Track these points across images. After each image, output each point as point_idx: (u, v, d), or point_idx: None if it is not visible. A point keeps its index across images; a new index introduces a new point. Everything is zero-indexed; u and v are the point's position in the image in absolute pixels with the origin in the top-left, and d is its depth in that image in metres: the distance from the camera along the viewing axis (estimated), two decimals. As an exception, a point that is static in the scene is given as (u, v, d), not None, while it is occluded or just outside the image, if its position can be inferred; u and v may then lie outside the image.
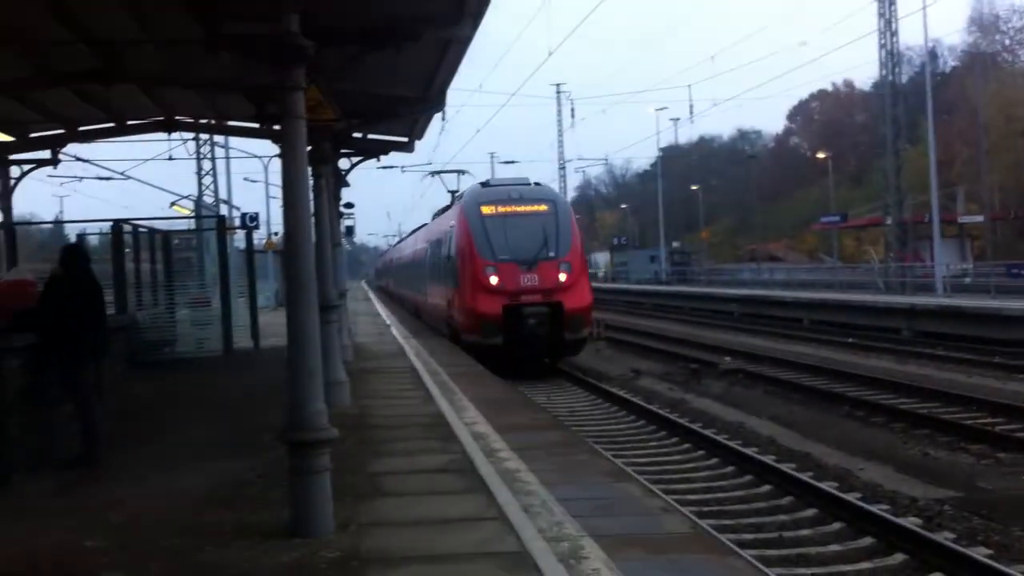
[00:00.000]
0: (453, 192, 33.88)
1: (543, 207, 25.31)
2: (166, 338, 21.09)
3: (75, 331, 10.29)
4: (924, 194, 46.84)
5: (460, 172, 34.97)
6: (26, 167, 18.99)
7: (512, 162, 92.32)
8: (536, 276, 23.79)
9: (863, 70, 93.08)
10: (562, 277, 23.90)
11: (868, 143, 79.94)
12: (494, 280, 23.76)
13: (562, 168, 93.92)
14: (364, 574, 6.53)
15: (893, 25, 42.61)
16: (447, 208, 33.12)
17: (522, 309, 23.44)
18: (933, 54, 64.98)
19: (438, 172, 37.51)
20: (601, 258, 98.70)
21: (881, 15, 42.75)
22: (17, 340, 9.78)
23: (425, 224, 41.75)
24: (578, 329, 23.99)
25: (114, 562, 6.94)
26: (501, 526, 7.58)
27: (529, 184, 27.13)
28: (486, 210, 25.03)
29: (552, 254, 24.08)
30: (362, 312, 45.09)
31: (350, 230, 57.18)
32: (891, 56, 43.05)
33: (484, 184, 27.63)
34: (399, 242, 65.60)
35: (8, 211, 19.29)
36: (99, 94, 14.27)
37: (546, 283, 23.76)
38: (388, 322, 37.77)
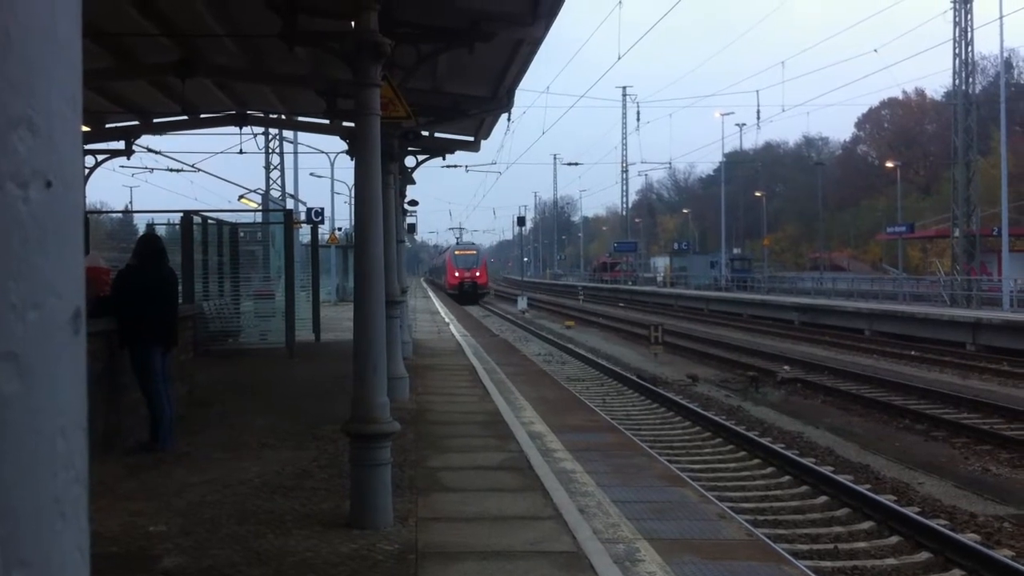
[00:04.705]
0: (458, 239, 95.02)
1: (474, 251, 77.20)
2: (230, 329, 21.43)
3: (145, 322, 10.53)
4: (995, 206, 46.10)
5: (462, 229, 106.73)
6: (100, 156, 19.40)
7: (575, 163, 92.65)
8: (469, 272, 70.68)
9: (936, 79, 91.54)
10: (478, 273, 71.11)
11: (938, 153, 78.70)
12: (456, 273, 71.20)
13: (624, 171, 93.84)
14: (421, 567, 6.63)
15: (968, 34, 41.99)
16: (447, 249, 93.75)
17: (464, 282, 69.78)
18: (1008, 64, 63.89)
19: (453, 228, 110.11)
20: (660, 262, 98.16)
21: (956, 23, 42.16)
22: (91, 326, 10.00)
23: (444, 250, 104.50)
24: (483, 288, 71.78)
25: (177, 547, 7.10)
26: (557, 525, 7.65)
27: (470, 243, 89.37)
28: (457, 252, 76.31)
29: (474, 266, 71.81)
30: (421, 309, 45.41)
31: (412, 228, 57.68)
32: (965, 65, 42.41)
33: (458, 242, 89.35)
34: (437, 256, 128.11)
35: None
36: (175, 86, 14.57)
37: (472, 274, 70.58)
38: (447, 320, 38.00)
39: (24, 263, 0.83)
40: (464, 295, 67.97)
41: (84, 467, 0.93)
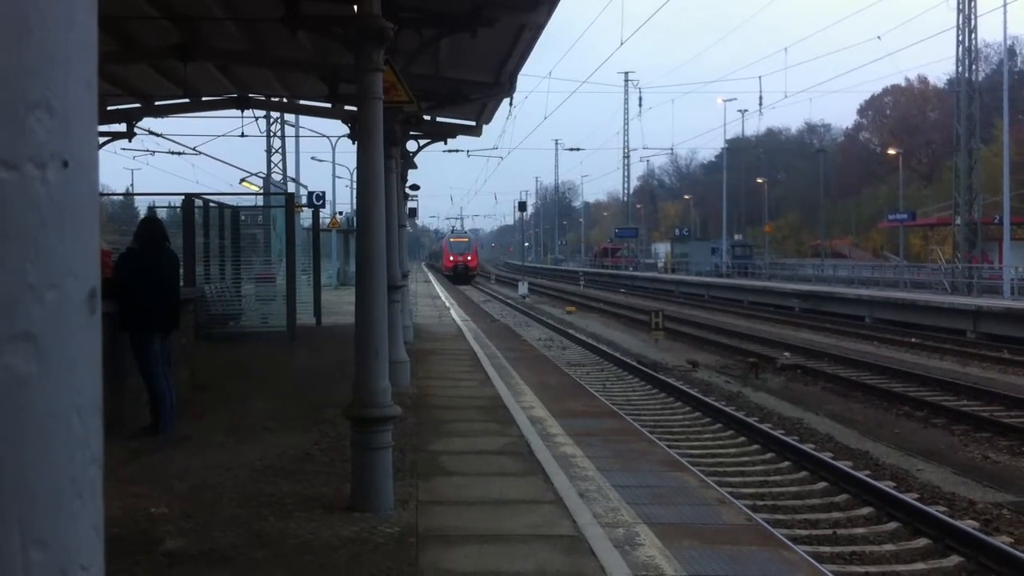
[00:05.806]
0: (453, 228, 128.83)
1: (467, 239, 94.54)
2: (231, 312, 21.43)
3: (146, 306, 10.53)
4: (996, 195, 46.07)
5: (460, 218, 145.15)
6: (102, 139, 19.37)
7: (577, 149, 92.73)
8: (462, 256, 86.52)
9: (939, 66, 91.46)
10: (469, 258, 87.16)
11: (941, 141, 78.65)
12: (451, 258, 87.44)
13: (626, 157, 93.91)
14: (421, 551, 6.66)
15: (972, 21, 41.88)
16: (444, 236, 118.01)
17: (458, 265, 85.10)
18: (1012, 52, 63.69)
19: (452, 217, 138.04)
20: (661, 248, 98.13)
21: (960, 11, 42.05)
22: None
23: (443, 236, 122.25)
24: (473, 271, 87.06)
25: (178, 529, 7.13)
26: (557, 510, 7.69)
27: (463, 232, 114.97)
28: (452, 239, 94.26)
29: (467, 251, 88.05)
30: (422, 294, 45.41)
31: (413, 212, 57.66)
32: (968, 53, 42.32)
33: (452, 231, 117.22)
34: (437, 241, 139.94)
35: (83, 182, 19.62)
36: (177, 70, 14.53)
37: (465, 259, 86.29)
38: (448, 304, 38.02)
39: (41, 244, 0.84)
40: (458, 276, 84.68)
41: (100, 448, 0.94)
